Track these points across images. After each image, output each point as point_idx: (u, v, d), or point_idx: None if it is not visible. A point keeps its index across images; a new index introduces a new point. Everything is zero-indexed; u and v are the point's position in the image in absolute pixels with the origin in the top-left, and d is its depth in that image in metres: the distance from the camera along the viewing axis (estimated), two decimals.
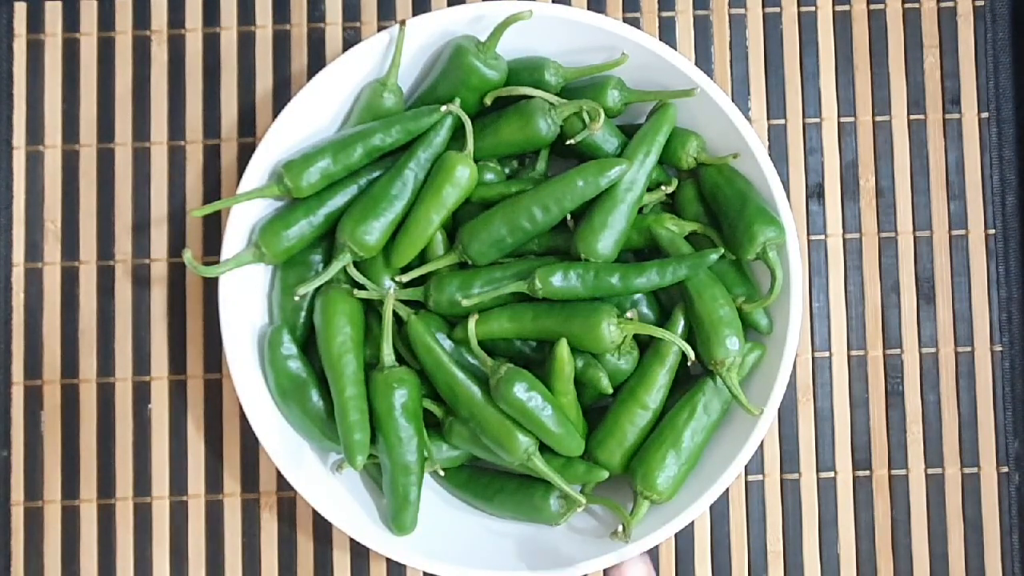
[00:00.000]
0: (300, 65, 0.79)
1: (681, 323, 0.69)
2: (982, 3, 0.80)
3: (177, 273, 0.78)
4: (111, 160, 0.79)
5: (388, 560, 0.77)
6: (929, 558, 0.78)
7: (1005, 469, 0.78)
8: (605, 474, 0.70)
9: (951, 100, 0.80)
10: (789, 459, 0.78)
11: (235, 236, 0.70)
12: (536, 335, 0.69)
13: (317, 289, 0.71)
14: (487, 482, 0.73)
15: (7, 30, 0.79)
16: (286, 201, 0.73)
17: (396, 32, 0.70)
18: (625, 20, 0.79)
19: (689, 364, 0.68)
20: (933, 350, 0.79)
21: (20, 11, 0.79)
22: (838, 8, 0.80)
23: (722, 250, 0.69)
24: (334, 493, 0.71)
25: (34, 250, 0.78)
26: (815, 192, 0.79)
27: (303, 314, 0.72)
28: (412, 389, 0.69)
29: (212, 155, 0.79)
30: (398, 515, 0.69)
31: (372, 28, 0.80)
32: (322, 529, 0.77)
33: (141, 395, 0.78)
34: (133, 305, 0.78)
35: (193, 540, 0.77)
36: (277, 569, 0.77)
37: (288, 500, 0.77)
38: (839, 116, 0.80)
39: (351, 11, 0.80)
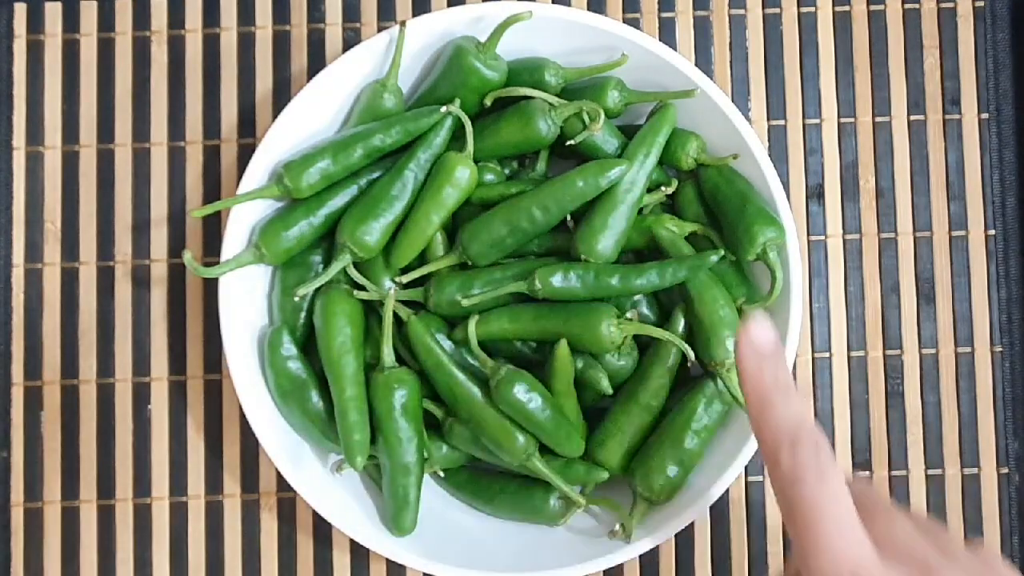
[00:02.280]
0: (300, 66, 0.79)
1: (681, 324, 0.69)
2: (982, 3, 0.80)
3: (177, 274, 0.78)
4: (111, 161, 0.79)
5: (388, 560, 0.76)
6: None
7: (1005, 470, 0.78)
8: (605, 475, 0.70)
9: (951, 101, 0.80)
10: None
11: (235, 237, 0.70)
12: (536, 336, 0.69)
13: (317, 290, 0.71)
14: (487, 483, 0.73)
15: (7, 30, 0.79)
16: (286, 202, 0.73)
17: (396, 33, 0.70)
18: (625, 20, 0.79)
19: (689, 365, 0.68)
20: (933, 351, 0.79)
21: (20, 11, 0.79)
22: (838, 9, 0.80)
23: (722, 251, 0.69)
24: (334, 493, 0.71)
25: (34, 251, 0.78)
26: (815, 193, 0.79)
27: (303, 315, 0.72)
28: (412, 390, 0.69)
29: (212, 156, 0.79)
30: (398, 516, 0.69)
31: (372, 29, 0.79)
32: (322, 529, 0.77)
33: (141, 396, 0.78)
34: (133, 306, 0.78)
35: (193, 541, 0.77)
36: (277, 569, 0.77)
37: (288, 500, 0.77)
38: (839, 117, 0.80)
39: (351, 12, 0.80)
